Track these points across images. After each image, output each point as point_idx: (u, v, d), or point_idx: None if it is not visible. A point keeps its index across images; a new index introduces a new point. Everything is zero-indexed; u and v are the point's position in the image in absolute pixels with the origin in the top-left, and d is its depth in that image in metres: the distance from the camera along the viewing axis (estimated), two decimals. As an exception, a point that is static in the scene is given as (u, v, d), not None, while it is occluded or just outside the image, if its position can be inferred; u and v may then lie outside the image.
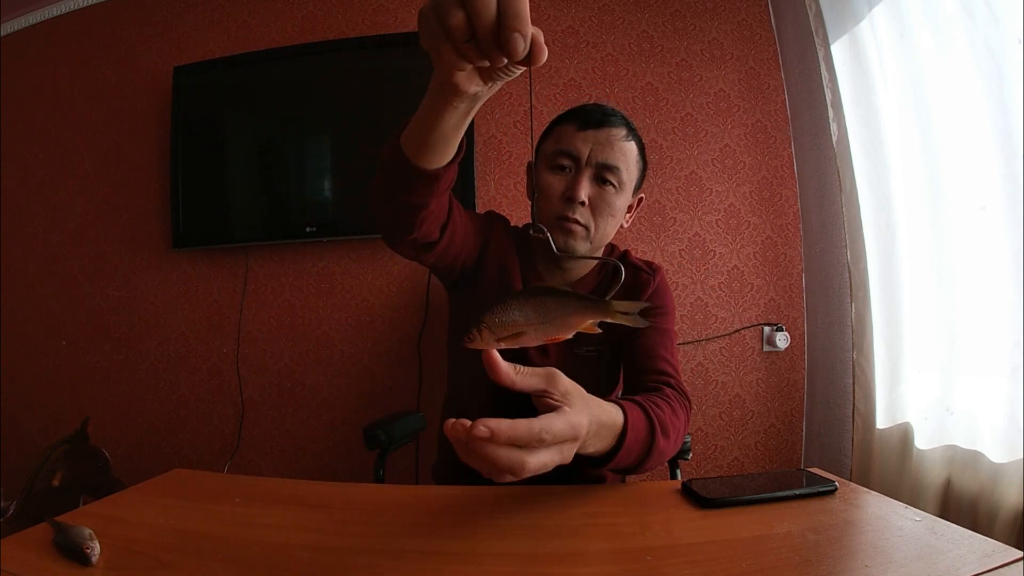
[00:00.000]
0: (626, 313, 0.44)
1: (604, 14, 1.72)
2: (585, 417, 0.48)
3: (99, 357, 1.86)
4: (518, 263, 0.90)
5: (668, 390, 0.78)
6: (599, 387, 0.85)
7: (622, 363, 0.91)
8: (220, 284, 1.80)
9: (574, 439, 0.46)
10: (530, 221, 0.93)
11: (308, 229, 1.67)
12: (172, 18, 1.87)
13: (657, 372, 0.82)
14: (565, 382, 0.48)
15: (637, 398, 0.69)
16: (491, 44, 0.36)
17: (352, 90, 1.69)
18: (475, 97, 0.46)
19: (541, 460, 0.43)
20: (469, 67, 0.41)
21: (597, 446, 0.55)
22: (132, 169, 1.87)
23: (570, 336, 0.41)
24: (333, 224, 1.68)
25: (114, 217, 1.88)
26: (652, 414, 0.66)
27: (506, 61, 0.37)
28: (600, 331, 0.45)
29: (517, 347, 0.41)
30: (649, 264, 0.97)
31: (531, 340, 0.40)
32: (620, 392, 0.97)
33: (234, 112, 1.78)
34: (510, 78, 0.42)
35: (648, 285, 0.92)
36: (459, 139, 0.55)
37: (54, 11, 1.95)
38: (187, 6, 1.86)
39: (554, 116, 0.93)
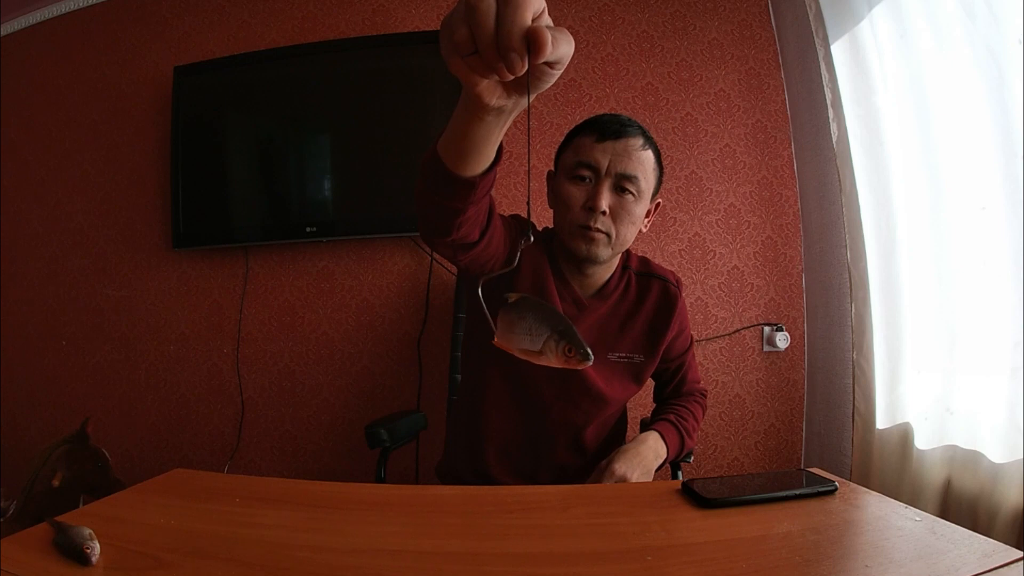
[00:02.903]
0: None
1: (604, 14, 1.72)
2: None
3: (99, 357, 1.86)
4: (549, 268, 0.93)
5: (696, 396, 1.07)
6: (626, 389, 0.98)
7: (665, 377, 1.07)
8: (220, 284, 1.80)
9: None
10: (550, 226, 0.95)
11: (308, 229, 1.67)
12: (172, 18, 1.87)
13: (688, 388, 1.08)
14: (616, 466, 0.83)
15: (670, 416, 0.98)
16: (494, 58, 0.35)
17: (352, 90, 1.69)
18: (501, 110, 0.45)
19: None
20: (486, 80, 0.40)
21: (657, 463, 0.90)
22: (132, 169, 1.87)
23: None
24: (333, 224, 1.68)
25: (114, 217, 1.88)
26: (682, 428, 0.96)
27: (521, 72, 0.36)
28: None
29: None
30: (673, 275, 1.03)
31: None
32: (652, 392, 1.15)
33: (234, 112, 1.78)
34: (540, 90, 0.40)
35: (676, 301, 0.99)
36: (493, 149, 0.54)
37: (54, 11, 1.95)
38: (187, 6, 1.86)
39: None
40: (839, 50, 1.39)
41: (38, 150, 1.94)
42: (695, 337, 1.62)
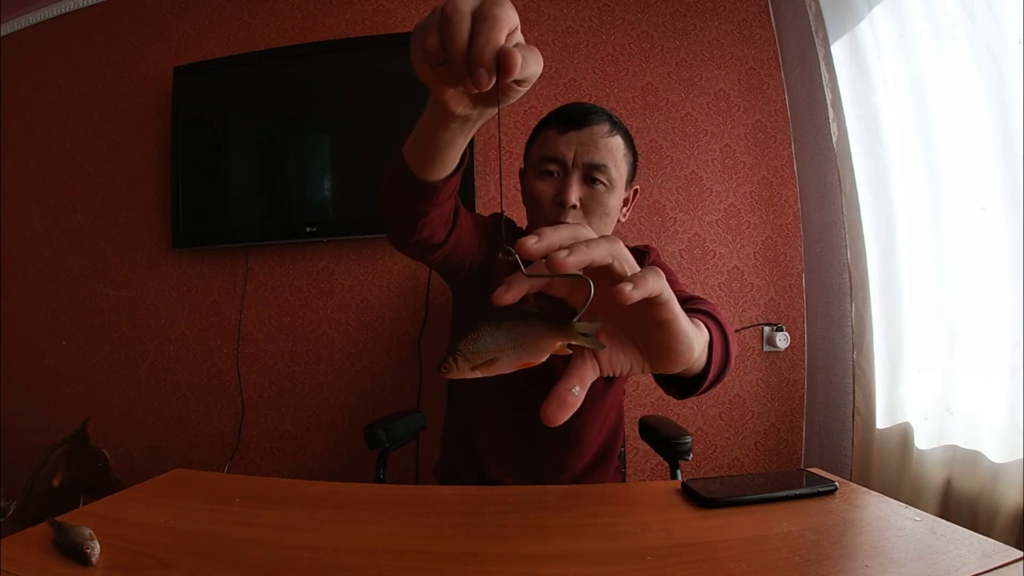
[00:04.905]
0: (586, 335, 0.40)
1: (604, 14, 1.72)
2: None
3: (99, 357, 1.86)
4: (523, 267, 0.91)
5: (703, 307, 0.70)
6: (608, 380, 0.84)
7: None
8: (220, 284, 1.80)
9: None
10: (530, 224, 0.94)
11: (308, 229, 1.67)
12: (172, 18, 1.87)
13: (687, 303, 0.70)
14: None
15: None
16: (463, 72, 0.35)
17: (352, 90, 1.69)
18: (466, 119, 0.45)
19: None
20: (452, 89, 0.40)
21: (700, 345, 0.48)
22: (132, 169, 1.87)
23: (542, 360, 0.39)
24: (333, 224, 1.68)
25: (114, 217, 1.88)
26: (712, 312, 0.65)
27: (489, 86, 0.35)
28: (570, 352, 0.41)
29: (492, 375, 0.39)
30: (637, 248, 0.97)
31: (504, 367, 0.38)
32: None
33: (234, 112, 1.78)
34: (505, 104, 0.40)
35: (644, 260, 0.94)
36: (457, 155, 0.54)
37: (54, 11, 1.95)
38: (187, 6, 1.86)
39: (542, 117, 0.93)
40: (839, 50, 1.39)
41: (38, 150, 1.94)
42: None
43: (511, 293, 0.37)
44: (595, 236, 0.37)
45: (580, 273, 0.36)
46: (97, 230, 1.89)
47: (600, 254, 0.35)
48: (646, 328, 0.41)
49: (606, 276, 0.37)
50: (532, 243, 0.34)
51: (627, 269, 0.37)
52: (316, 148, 1.77)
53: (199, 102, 1.76)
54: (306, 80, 1.72)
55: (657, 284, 0.36)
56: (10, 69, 1.96)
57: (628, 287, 0.34)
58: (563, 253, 0.33)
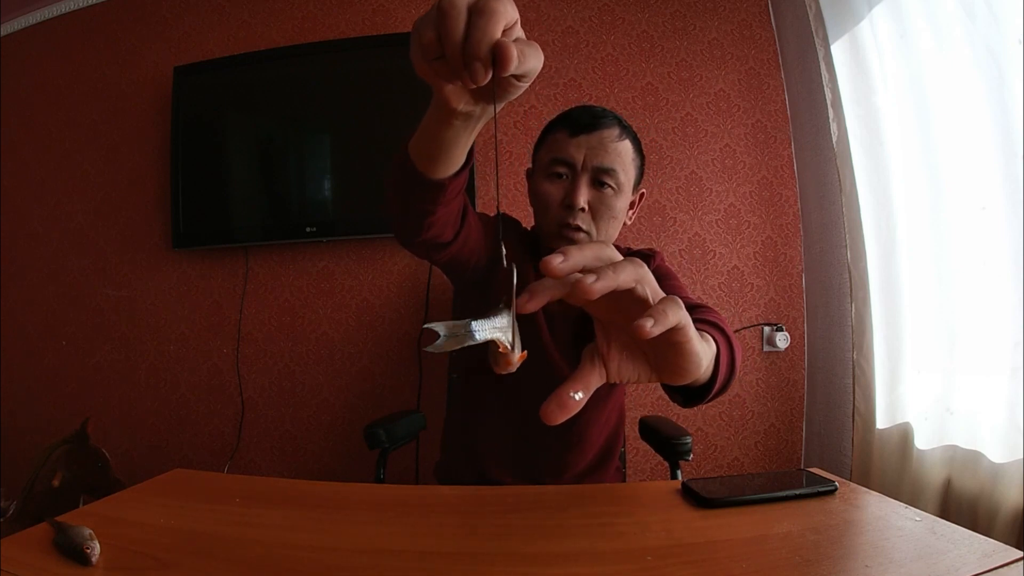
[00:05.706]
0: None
1: (604, 14, 1.72)
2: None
3: (99, 357, 1.86)
4: (531, 267, 0.91)
5: (708, 310, 0.71)
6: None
7: None
8: (220, 284, 1.80)
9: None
10: (535, 224, 0.93)
11: (308, 229, 1.67)
12: (172, 18, 1.87)
13: (693, 312, 0.71)
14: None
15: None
16: (459, 67, 0.35)
17: (352, 90, 1.70)
18: (469, 115, 0.45)
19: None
20: (451, 85, 0.40)
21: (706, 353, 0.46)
22: (132, 169, 1.87)
23: (512, 358, 0.37)
24: (333, 224, 1.68)
25: (114, 217, 1.88)
26: (719, 322, 0.65)
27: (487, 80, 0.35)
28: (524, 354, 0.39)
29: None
30: (643, 251, 0.97)
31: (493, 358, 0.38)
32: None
33: (234, 112, 1.78)
34: (507, 100, 0.40)
35: (649, 264, 0.93)
36: (463, 152, 0.55)
37: (54, 11, 1.95)
38: (187, 6, 1.86)
39: (551, 118, 0.93)
40: (839, 50, 1.39)
41: (38, 150, 1.94)
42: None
43: (533, 301, 0.37)
44: (619, 256, 0.37)
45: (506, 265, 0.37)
46: (97, 230, 1.89)
47: (626, 279, 0.35)
48: (658, 346, 0.41)
49: (628, 296, 0.38)
50: (558, 262, 0.34)
51: (649, 294, 0.37)
52: (316, 148, 1.77)
53: (199, 102, 1.76)
54: (306, 80, 1.72)
55: (676, 316, 0.36)
56: (10, 69, 1.96)
57: (648, 324, 0.34)
58: (591, 279, 0.34)
